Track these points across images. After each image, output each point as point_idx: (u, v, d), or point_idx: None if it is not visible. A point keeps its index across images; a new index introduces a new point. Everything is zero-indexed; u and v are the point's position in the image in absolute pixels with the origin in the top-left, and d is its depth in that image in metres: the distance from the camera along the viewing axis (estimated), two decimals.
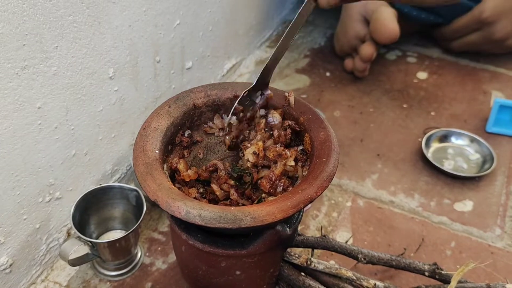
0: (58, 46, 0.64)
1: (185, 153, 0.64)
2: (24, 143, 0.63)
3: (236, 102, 0.63)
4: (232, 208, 0.50)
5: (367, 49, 1.11)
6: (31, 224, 0.69)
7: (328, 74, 1.22)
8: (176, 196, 0.52)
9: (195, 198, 0.59)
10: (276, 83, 1.17)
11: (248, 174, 0.60)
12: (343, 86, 1.17)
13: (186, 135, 0.66)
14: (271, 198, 0.58)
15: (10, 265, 0.68)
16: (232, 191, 0.59)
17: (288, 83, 1.18)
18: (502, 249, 0.81)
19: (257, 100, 0.65)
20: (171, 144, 0.64)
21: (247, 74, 1.20)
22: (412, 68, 1.24)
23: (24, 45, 0.58)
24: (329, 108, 1.10)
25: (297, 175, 0.61)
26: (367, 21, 1.12)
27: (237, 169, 0.60)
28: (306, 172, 0.60)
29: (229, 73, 1.17)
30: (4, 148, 0.61)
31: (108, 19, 0.71)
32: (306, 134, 0.63)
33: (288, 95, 0.65)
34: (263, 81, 0.63)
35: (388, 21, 1.05)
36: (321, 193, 0.54)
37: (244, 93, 0.62)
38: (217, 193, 0.59)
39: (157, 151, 0.59)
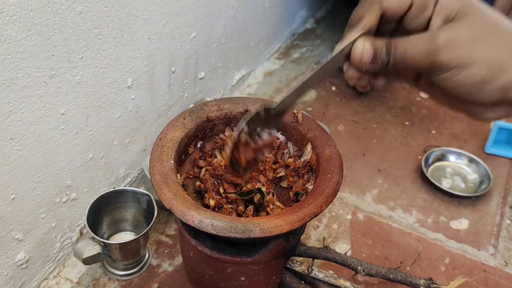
0: (83, 57, 0.68)
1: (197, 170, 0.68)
2: (47, 147, 0.67)
3: (245, 122, 0.58)
4: (242, 219, 0.54)
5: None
6: (48, 222, 0.73)
7: (333, 88, 1.25)
8: (190, 205, 0.55)
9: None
10: (283, 96, 1.21)
11: (256, 191, 0.62)
12: (348, 101, 1.21)
13: (198, 145, 0.69)
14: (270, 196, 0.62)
15: (27, 261, 0.72)
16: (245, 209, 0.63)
17: None
18: (495, 268, 0.84)
19: (264, 136, 0.61)
20: (184, 154, 0.68)
21: (256, 85, 1.24)
22: None
23: (53, 55, 0.62)
24: (334, 122, 1.14)
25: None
26: None
27: (245, 193, 0.63)
28: (312, 186, 0.63)
29: (238, 83, 1.20)
30: (29, 151, 0.64)
31: (130, 31, 0.75)
32: (311, 148, 0.66)
33: (297, 112, 0.69)
34: (280, 109, 0.58)
35: None
36: (326, 208, 0.57)
37: (256, 112, 0.58)
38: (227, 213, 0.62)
39: (172, 161, 0.62)
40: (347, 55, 0.50)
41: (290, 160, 0.67)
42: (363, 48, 0.48)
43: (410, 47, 0.47)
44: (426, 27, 0.48)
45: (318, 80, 0.53)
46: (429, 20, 0.48)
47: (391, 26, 0.51)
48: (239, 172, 0.60)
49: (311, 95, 1.23)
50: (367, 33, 0.49)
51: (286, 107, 0.58)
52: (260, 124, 0.58)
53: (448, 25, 0.46)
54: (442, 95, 0.51)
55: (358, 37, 0.49)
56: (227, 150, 0.58)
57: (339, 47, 0.49)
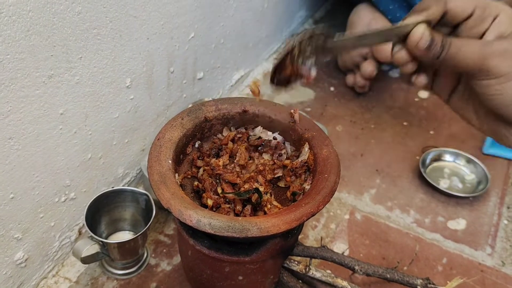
0: (82, 57, 0.68)
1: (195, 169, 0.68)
2: (45, 146, 0.67)
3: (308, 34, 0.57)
4: (240, 218, 0.54)
5: (368, 66, 1.15)
6: (46, 222, 0.73)
7: (332, 88, 1.26)
8: (188, 205, 0.56)
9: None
10: (282, 96, 1.21)
11: (253, 191, 0.63)
12: (346, 102, 1.21)
13: (196, 145, 0.70)
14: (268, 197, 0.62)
15: (26, 260, 0.72)
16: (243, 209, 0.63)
17: (294, 96, 1.22)
18: (492, 268, 0.85)
19: (306, 66, 0.59)
20: (182, 154, 0.68)
21: None
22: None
23: (51, 55, 0.63)
24: (332, 123, 1.14)
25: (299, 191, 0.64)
26: None
27: (243, 193, 0.63)
28: (309, 186, 0.64)
29: (237, 84, 1.21)
30: (28, 150, 0.65)
31: (129, 32, 0.75)
32: (309, 148, 0.67)
33: (294, 112, 0.69)
34: (336, 46, 0.55)
35: None
36: (323, 208, 0.57)
37: (318, 33, 0.55)
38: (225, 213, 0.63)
39: (170, 161, 0.63)
40: (403, 36, 0.51)
41: (287, 161, 0.68)
42: (423, 33, 0.49)
43: (465, 46, 0.48)
44: (479, 39, 0.50)
45: (377, 41, 0.54)
46: (484, 33, 0.50)
47: (446, 30, 0.53)
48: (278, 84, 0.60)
49: (309, 95, 1.23)
50: (428, 23, 0.50)
51: (341, 48, 0.56)
52: (310, 50, 0.57)
53: (501, 39, 0.48)
54: (474, 112, 0.53)
55: (420, 22, 0.50)
56: (279, 56, 0.58)
57: (402, 23, 0.50)
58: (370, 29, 0.52)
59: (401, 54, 0.52)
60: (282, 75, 0.59)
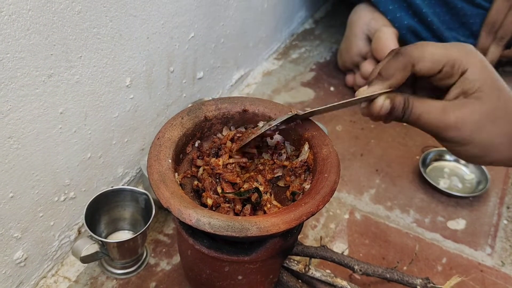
0: (82, 56, 0.68)
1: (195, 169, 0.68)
2: (45, 146, 0.67)
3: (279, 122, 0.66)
4: (240, 217, 0.54)
5: (368, 67, 1.15)
6: (46, 221, 0.73)
7: (332, 88, 1.26)
8: (188, 204, 0.55)
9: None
10: (282, 95, 1.21)
11: (253, 191, 0.63)
12: None
13: (196, 145, 0.70)
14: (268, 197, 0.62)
15: (25, 259, 0.72)
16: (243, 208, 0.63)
17: (294, 96, 1.22)
18: (491, 268, 0.85)
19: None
20: (182, 153, 0.68)
21: (254, 85, 1.25)
22: None
23: (51, 54, 0.63)
24: (332, 123, 1.14)
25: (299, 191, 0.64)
26: (369, 40, 1.16)
27: (243, 193, 0.63)
28: (309, 185, 0.64)
29: (237, 83, 1.21)
30: (28, 149, 0.65)
31: (129, 31, 0.75)
32: (308, 148, 0.67)
33: (293, 112, 0.69)
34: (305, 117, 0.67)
35: (389, 41, 1.10)
36: (323, 207, 0.57)
37: (288, 116, 0.65)
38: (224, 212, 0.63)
39: (170, 160, 0.63)
40: (368, 99, 0.57)
41: (287, 162, 0.68)
42: (383, 104, 0.55)
43: (425, 114, 0.54)
44: (446, 90, 0.55)
45: (344, 107, 0.61)
46: (450, 86, 0.54)
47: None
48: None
49: (309, 95, 1.23)
50: (391, 89, 0.56)
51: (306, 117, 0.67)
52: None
53: (462, 101, 0.53)
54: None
55: (382, 93, 0.56)
56: (250, 137, 0.66)
57: (363, 92, 0.57)
58: (337, 101, 0.60)
59: (366, 111, 0.58)
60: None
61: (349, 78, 1.24)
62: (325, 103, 1.19)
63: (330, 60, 1.37)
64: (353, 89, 1.24)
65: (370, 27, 1.16)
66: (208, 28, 0.98)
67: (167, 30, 0.84)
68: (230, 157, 0.68)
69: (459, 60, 0.53)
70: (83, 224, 0.81)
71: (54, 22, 0.61)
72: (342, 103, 0.59)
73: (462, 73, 0.53)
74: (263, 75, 1.29)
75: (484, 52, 1.24)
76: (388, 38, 1.10)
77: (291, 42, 1.45)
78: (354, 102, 0.58)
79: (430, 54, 0.53)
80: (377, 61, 1.14)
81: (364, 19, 1.18)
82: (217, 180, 0.65)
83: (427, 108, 0.54)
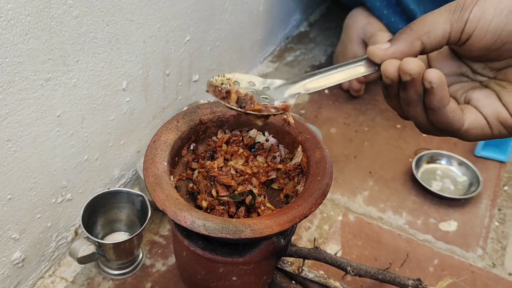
0: (79, 60, 0.69)
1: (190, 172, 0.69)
2: (43, 148, 0.68)
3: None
4: (234, 220, 0.55)
5: None
6: (43, 222, 0.74)
7: (326, 91, 1.27)
8: (183, 206, 0.57)
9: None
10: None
11: (247, 194, 0.64)
12: (340, 104, 1.23)
13: (191, 147, 0.71)
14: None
15: (23, 260, 0.73)
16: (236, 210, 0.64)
17: None
18: (482, 269, 0.86)
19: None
20: (178, 156, 0.69)
21: None
22: None
23: (49, 59, 0.64)
24: (326, 125, 1.16)
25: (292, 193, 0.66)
26: (365, 44, 1.17)
27: (237, 196, 0.64)
28: (302, 188, 0.65)
29: None
30: (26, 152, 0.66)
31: (125, 35, 0.76)
32: (302, 151, 0.68)
33: (287, 117, 0.70)
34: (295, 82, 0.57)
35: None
36: (316, 209, 0.59)
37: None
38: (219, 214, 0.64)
39: (165, 163, 0.64)
40: None
41: (281, 165, 0.69)
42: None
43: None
44: None
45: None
46: None
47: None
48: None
49: (304, 97, 1.24)
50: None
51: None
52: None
53: None
54: (428, 122, 0.53)
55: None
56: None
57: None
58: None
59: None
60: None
61: (344, 82, 1.25)
62: (320, 105, 1.20)
63: (325, 63, 1.39)
64: (348, 92, 1.26)
65: (366, 32, 1.17)
66: (203, 32, 0.99)
67: (163, 33, 0.86)
68: (225, 160, 0.69)
69: None
70: (80, 225, 0.82)
71: (52, 27, 0.62)
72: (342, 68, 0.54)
73: None
74: None
75: None
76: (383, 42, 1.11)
77: (286, 45, 1.46)
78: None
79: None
80: None
81: (360, 23, 1.19)
82: (212, 182, 0.66)
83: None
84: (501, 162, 1.08)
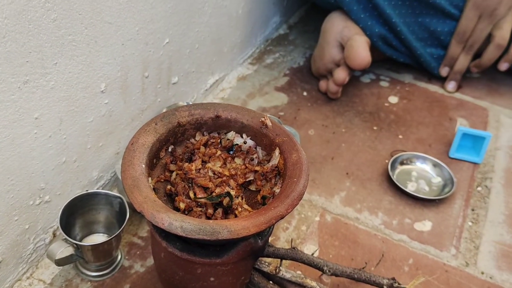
0: (57, 63, 0.69)
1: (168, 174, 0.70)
2: (20, 150, 0.68)
3: None
4: (211, 221, 0.56)
5: (341, 74, 1.18)
6: (21, 224, 0.74)
7: (305, 93, 1.28)
8: (160, 208, 0.57)
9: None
10: (256, 100, 1.24)
11: (225, 195, 0.65)
12: (319, 106, 1.24)
13: (169, 150, 0.71)
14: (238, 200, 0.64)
15: (0, 262, 0.73)
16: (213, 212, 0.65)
17: (267, 100, 1.25)
18: (456, 268, 0.88)
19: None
20: (156, 158, 0.70)
21: (229, 89, 1.27)
22: (384, 92, 1.31)
23: (27, 61, 0.64)
24: (304, 127, 1.17)
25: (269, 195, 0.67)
26: (342, 47, 1.19)
27: (215, 198, 0.65)
28: (279, 189, 0.66)
29: (212, 88, 1.23)
30: (3, 154, 0.66)
31: (104, 38, 0.77)
32: (279, 153, 0.69)
33: (265, 119, 0.72)
34: None
35: (361, 49, 1.13)
36: (292, 210, 0.60)
37: None
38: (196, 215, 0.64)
39: (143, 165, 0.64)
40: None
41: (258, 167, 0.70)
42: None
43: None
44: None
45: None
46: None
47: None
48: None
49: (283, 99, 1.25)
50: None
51: None
52: None
53: None
54: None
55: None
56: None
57: None
58: None
59: None
60: None
61: (322, 84, 1.27)
62: (298, 107, 1.22)
63: (304, 65, 1.40)
64: (326, 95, 1.27)
65: (343, 35, 1.18)
66: (182, 34, 0.99)
67: (142, 36, 0.86)
68: (203, 162, 0.70)
69: None
70: (58, 227, 0.81)
71: (30, 30, 0.62)
72: None
73: None
74: (237, 80, 1.31)
75: (454, 61, 1.28)
76: (360, 46, 1.13)
77: (266, 47, 1.47)
78: None
79: None
80: (350, 68, 1.17)
81: (337, 27, 1.21)
82: (190, 184, 0.67)
83: None
84: (475, 163, 1.10)
